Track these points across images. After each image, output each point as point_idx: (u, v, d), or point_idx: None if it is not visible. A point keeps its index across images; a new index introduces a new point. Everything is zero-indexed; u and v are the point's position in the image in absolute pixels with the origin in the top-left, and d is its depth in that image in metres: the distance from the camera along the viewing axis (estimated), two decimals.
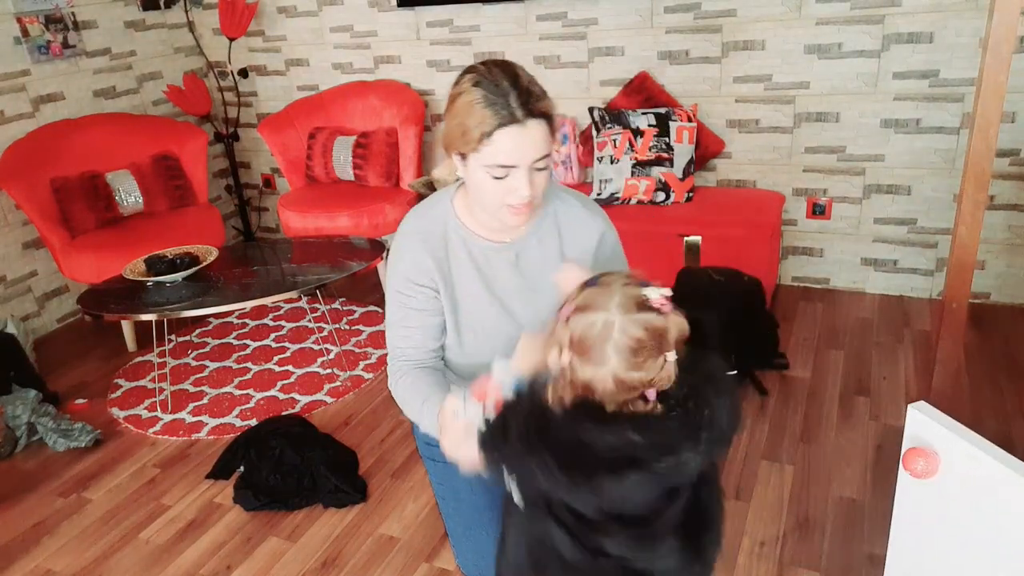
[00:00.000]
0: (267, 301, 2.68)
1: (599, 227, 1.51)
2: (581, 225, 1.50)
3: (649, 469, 1.03)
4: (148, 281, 2.82)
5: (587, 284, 1.10)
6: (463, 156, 1.33)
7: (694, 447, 1.05)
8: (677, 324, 1.09)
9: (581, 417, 1.06)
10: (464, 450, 1.19)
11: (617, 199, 3.18)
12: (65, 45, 3.59)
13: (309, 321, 3.38)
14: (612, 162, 3.17)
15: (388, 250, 1.75)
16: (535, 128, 1.27)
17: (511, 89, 1.27)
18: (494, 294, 1.49)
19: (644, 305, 1.06)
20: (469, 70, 1.33)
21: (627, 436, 1.04)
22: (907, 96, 2.88)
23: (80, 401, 2.93)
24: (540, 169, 1.32)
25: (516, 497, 1.21)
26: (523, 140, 1.28)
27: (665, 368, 1.06)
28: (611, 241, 1.53)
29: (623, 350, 1.03)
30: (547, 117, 1.29)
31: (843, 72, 2.94)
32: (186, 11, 4.13)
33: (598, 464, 1.04)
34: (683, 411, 1.07)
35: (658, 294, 1.08)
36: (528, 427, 1.08)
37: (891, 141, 2.97)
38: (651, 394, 1.07)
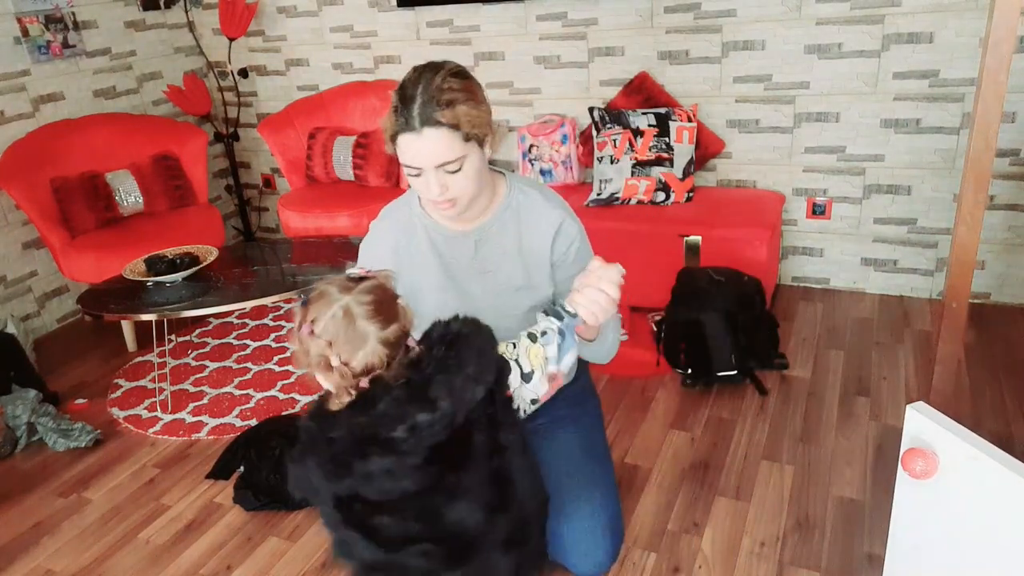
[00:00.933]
0: (267, 301, 2.68)
1: (558, 216, 1.60)
2: (539, 215, 1.59)
3: (388, 444, 1.13)
4: (148, 281, 2.82)
5: (303, 304, 1.19)
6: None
7: (425, 407, 1.14)
8: (385, 277, 1.24)
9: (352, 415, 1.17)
10: None
11: (617, 199, 3.18)
12: (65, 45, 3.59)
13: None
14: (612, 162, 3.17)
15: None
16: (431, 136, 1.37)
17: (417, 97, 1.37)
18: (453, 279, 1.59)
19: (355, 280, 1.20)
20: (410, 71, 1.45)
21: (355, 419, 1.15)
22: (907, 96, 2.88)
23: (80, 401, 2.93)
24: (452, 171, 1.41)
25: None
26: (419, 146, 1.39)
27: (406, 311, 1.21)
28: (571, 231, 1.61)
29: (370, 316, 1.14)
30: (449, 126, 1.37)
31: (843, 72, 2.94)
32: (186, 11, 4.13)
33: (349, 452, 1.14)
34: (413, 376, 1.17)
35: (356, 269, 1.24)
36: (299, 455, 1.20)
37: (891, 141, 2.97)
38: (411, 341, 1.21)
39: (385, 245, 1.60)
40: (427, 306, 1.55)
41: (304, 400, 2.79)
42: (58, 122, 3.54)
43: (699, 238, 2.93)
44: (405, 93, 1.39)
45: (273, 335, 3.34)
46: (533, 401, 1.37)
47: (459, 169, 1.41)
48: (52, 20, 3.53)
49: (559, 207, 1.61)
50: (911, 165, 2.97)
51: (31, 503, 2.39)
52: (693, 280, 2.71)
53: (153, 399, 2.89)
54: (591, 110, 3.27)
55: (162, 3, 4.04)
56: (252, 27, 4.04)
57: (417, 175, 1.43)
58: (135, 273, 2.85)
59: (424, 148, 1.38)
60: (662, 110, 3.15)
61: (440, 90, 1.38)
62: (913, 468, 1.04)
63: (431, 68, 1.42)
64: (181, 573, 2.04)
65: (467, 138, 1.40)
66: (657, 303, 2.92)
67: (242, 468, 2.40)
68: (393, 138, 1.41)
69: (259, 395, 2.86)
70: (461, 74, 1.44)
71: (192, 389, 2.96)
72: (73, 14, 3.62)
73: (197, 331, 3.44)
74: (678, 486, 2.18)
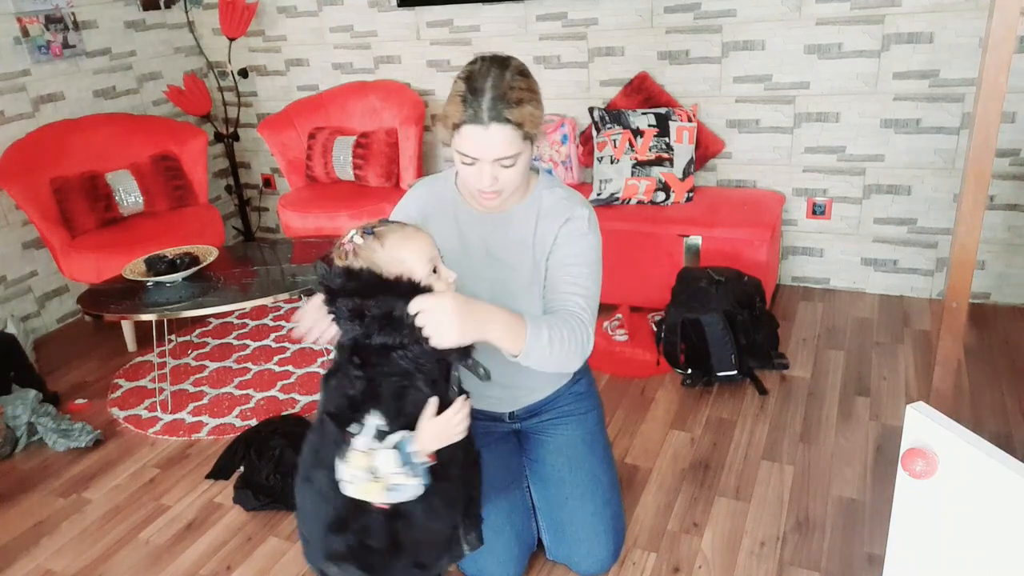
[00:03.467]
0: (267, 301, 2.68)
1: (572, 209, 1.64)
2: (556, 209, 1.64)
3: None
4: (148, 281, 2.82)
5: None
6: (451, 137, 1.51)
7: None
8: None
9: None
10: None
11: (617, 199, 3.18)
12: (65, 45, 3.59)
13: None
14: (612, 162, 3.17)
15: None
16: (497, 131, 1.43)
17: (488, 91, 1.42)
18: (467, 255, 1.64)
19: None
20: (473, 61, 1.49)
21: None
22: (907, 96, 2.88)
23: (80, 401, 2.93)
24: (507, 166, 1.48)
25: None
26: (484, 139, 1.44)
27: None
28: (579, 221, 1.63)
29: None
30: (515, 124, 1.43)
31: (843, 72, 2.94)
32: (186, 11, 4.13)
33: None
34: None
35: (351, 236, 1.29)
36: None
37: (891, 141, 2.97)
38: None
39: (414, 206, 1.69)
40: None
41: (304, 400, 2.79)
42: (58, 122, 3.54)
43: (699, 238, 2.93)
44: (475, 85, 1.43)
45: (273, 335, 3.34)
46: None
47: (513, 165, 1.48)
48: (52, 20, 3.53)
49: (577, 204, 1.64)
50: (911, 165, 2.97)
51: (31, 503, 2.39)
52: (693, 280, 2.71)
53: (153, 399, 2.89)
54: (591, 110, 3.27)
55: (162, 3, 4.04)
56: (252, 27, 4.04)
57: (471, 164, 1.48)
58: (135, 273, 2.85)
59: (488, 142, 1.43)
60: (662, 110, 3.15)
61: (511, 88, 1.44)
62: (913, 468, 1.04)
63: (499, 63, 1.47)
64: (181, 573, 2.04)
65: (525, 137, 1.47)
66: (657, 303, 2.92)
67: (242, 468, 2.40)
68: (456, 127, 1.45)
69: (259, 395, 2.86)
70: (526, 73, 1.50)
71: (192, 389, 2.96)
72: (73, 14, 3.62)
73: (197, 331, 3.44)
74: (678, 486, 2.18)
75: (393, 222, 1.35)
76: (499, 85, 1.42)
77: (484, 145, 1.44)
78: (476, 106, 1.41)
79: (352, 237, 1.28)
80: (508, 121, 1.42)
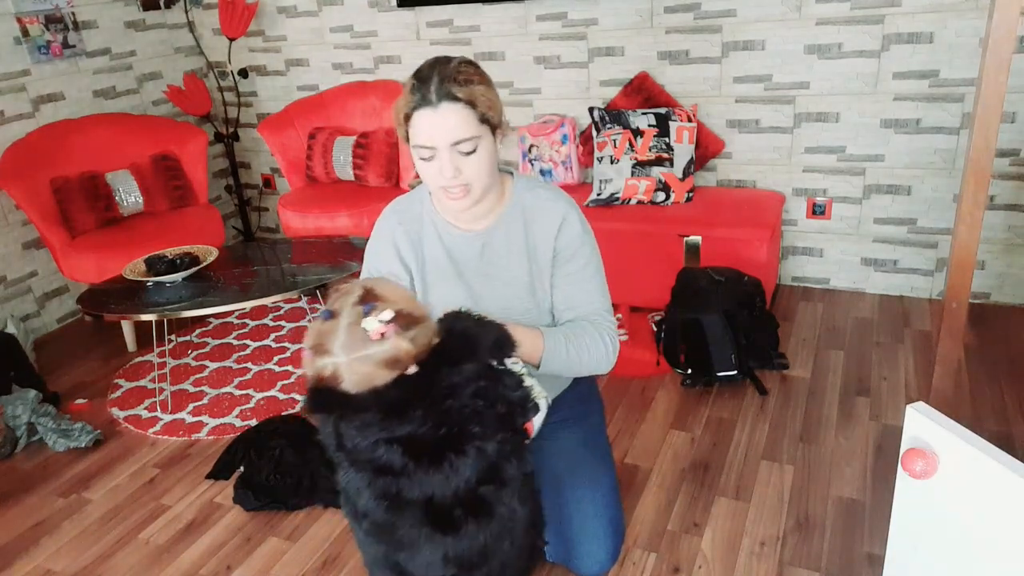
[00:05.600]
0: (267, 301, 2.68)
1: (561, 210, 1.61)
2: (544, 211, 1.60)
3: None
4: (148, 281, 2.82)
5: (323, 315, 1.13)
6: (409, 143, 1.45)
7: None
8: (398, 346, 1.11)
9: None
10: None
11: (617, 199, 3.18)
12: (65, 45, 3.59)
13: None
14: (612, 162, 3.17)
15: None
16: (448, 111, 1.38)
17: (434, 76, 1.39)
18: (462, 278, 1.60)
19: (367, 340, 1.08)
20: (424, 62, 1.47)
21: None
22: (907, 96, 2.88)
23: (80, 401, 2.93)
24: (466, 153, 1.42)
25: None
26: (436, 121, 1.39)
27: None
28: (574, 224, 1.61)
29: (356, 384, 1.10)
30: (466, 102, 1.38)
31: (843, 72, 2.94)
32: (186, 11, 4.13)
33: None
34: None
35: (374, 326, 1.08)
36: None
37: (891, 141, 2.97)
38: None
39: (387, 241, 1.63)
40: (435, 296, 1.56)
41: (304, 400, 2.79)
42: (58, 122, 3.54)
43: (699, 238, 2.93)
44: (421, 75, 1.42)
45: (273, 335, 3.34)
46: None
47: (473, 151, 1.42)
48: (52, 20, 3.53)
49: (562, 201, 1.62)
50: (911, 165, 2.97)
51: (31, 503, 2.39)
52: (693, 280, 2.71)
53: (153, 399, 2.89)
54: (591, 110, 3.27)
55: (162, 3, 4.04)
56: (252, 27, 4.04)
57: (430, 157, 1.42)
58: (135, 273, 2.85)
59: (441, 123, 1.38)
60: (662, 110, 3.15)
61: (457, 71, 1.41)
62: (913, 468, 1.04)
63: (444, 57, 1.46)
64: (181, 573, 2.04)
65: (482, 119, 1.41)
66: (657, 303, 2.92)
67: (242, 468, 2.40)
68: (407, 117, 1.41)
69: (259, 395, 2.86)
70: (474, 64, 1.48)
71: (192, 389, 2.96)
72: (73, 14, 3.62)
73: (197, 331, 3.44)
74: (678, 486, 2.18)
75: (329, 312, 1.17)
76: (445, 69, 1.40)
77: (437, 127, 1.39)
78: (424, 90, 1.38)
79: (376, 320, 1.10)
80: (457, 99, 1.38)
